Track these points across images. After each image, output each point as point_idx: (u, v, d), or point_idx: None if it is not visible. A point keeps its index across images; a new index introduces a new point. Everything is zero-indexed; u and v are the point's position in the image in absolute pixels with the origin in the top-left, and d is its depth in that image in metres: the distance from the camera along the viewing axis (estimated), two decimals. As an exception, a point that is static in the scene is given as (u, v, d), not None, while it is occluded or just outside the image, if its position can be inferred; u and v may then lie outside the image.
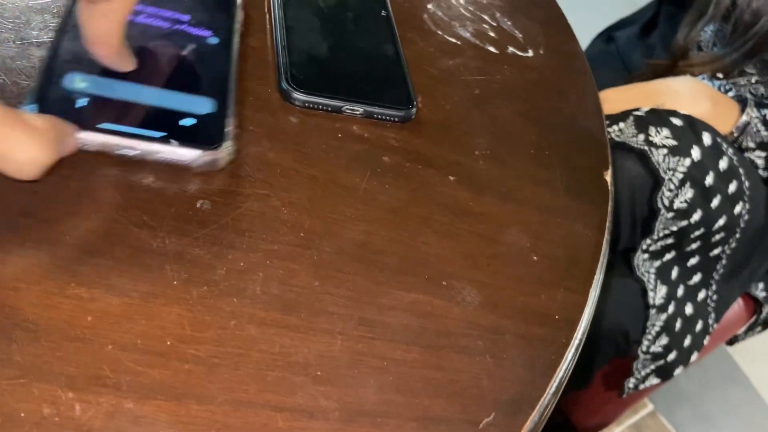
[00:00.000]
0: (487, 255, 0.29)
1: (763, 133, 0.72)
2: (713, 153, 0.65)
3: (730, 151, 0.68)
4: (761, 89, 0.78)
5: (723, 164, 0.66)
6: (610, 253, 0.65)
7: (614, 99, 0.74)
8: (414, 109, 0.33)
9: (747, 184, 0.68)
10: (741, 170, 0.68)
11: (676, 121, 0.65)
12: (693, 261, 0.69)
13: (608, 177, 0.37)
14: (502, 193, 0.32)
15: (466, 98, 0.37)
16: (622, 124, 0.65)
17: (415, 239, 0.28)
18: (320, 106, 0.31)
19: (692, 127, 0.65)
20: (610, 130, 0.65)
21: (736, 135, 0.73)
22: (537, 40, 0.44)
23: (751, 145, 0.73)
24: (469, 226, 0.29)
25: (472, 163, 0.33)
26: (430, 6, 0.42)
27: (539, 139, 0.37)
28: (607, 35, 0.94)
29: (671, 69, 0.79)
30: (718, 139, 0.67)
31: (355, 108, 0.31)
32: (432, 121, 0.34)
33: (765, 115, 0.73)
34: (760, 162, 0.74)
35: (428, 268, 0.27)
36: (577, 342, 0.29)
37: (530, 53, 0.44)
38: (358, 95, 0.31)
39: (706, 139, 0.65)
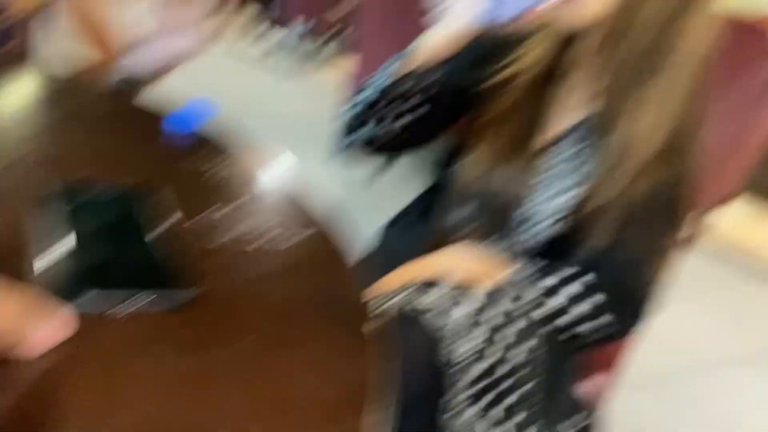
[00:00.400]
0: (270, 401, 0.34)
1: (531, 277, 0.83)
2: (484, 306, 0.74)
3: (503, 300, 0.78)
4: (521, 247, 0.91)
5: (496, 316, 0.75)
6: (419, 421, 0.71)
7: (398, 277, 0.84)
8: (196, 291, 0.38)
9: (524, 327, 0.78)
10: (515, 317, 0.77)
11: (444, 286, 0.74)
12: (494, 412, 0.76)
13: (368, 329, 0.43)
14: (287, 353, 0.37)
15: (241, 284, 0.43)
16: (396, 298, 0.73)
17: (207, 403, 0.32)
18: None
19: (461, 288, 0.75)
20: (389, 304, 0.73)
21: (509, 284, 0.82)
22: (292, 234, 0.53)
23: (524, 290, 0.82)
24: (260, 384, 0.34)
25: (241, 334, 0.38)
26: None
27: (301, 308, 0.44)
28: (393, 223, 1.08)
29: (446, 244, 0.91)
30: (490, 293, 0.77)
31: (140, 296, 0.35)
32: (216, 300, 0.40)
33: (528, 263, 0.84)
34: (535, 302, 0.83)
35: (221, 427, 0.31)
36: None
37: (285, 244, 0.51)
38: (140, 284, 0.35)
39: (476, 296, 0.75)
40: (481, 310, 0.72)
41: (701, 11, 0.81)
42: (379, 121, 0.94)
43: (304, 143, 3.57)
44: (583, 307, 0.84)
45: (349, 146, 0.98)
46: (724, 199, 3.70)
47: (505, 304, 0.75)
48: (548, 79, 0.91)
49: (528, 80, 0.91)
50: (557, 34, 0.87)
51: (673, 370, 2.25)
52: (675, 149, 0.87)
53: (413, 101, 0.91)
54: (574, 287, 0.84)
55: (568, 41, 0.89)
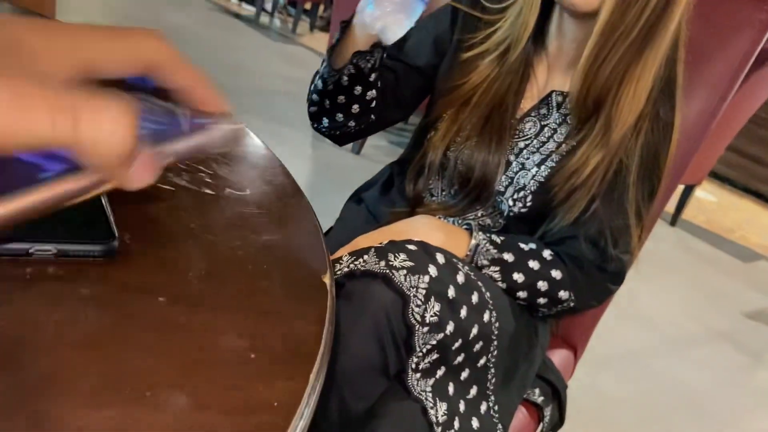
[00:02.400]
0: (199, 361, 0.31)
1: (492, 251, 0.84)
2: (449, 269, 0.74)
3: (466, 268, 0.77)
4: (488, 221, 0.93)
5: (460, 278, 0.75)
6: (386, 381, 0.71)
7: (364, 242, 0.85)
8: (115, 243, 0.35)
9: (488, 294, 0.76)
10: (479, 282, 0.75)
11: (412, 247, 0.72)
12: (464, 375, 0.76)
13: (326, 279, 0.41)
14: (217, 305, 0.35)
15: (181, 232, 0.40)
16: (365, 256, 0.73)
17: (116, 360, 0.29)
18: (3, 252, 0.31)
19: (426, 250, 0.74)
20: (356, 263, 0.72)
21: (471, 255, 0.84)
22: (254, 182, 0.49)
23: (485, 262, 0.84)
24: (180, 339, 0.32)
25: (186, 285, 0.36)
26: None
27: (257, 257, 0.41)
28: (357, 197, 1.08)
29: (411, 215, 0.93)
30: (453, 259, 0.76)
31: (46, 248, 0.32)
32: (141, 253, 0.37)
33: (490, 236, 0.85)
34: (496, 275, 0.85)
35: (129, 384, 0.29)
36: (300, 426, 0.32)
37: (248, 191, 0.48)
38: (48, 236, 0.32)
39: (440, 258, 0.74)
40: (439, 278, 0.71)
41: None
42: (331, 117, 0.92)
43: (284, 107, 3.56)
44: (540, 283, 0.85)
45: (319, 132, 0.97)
46: (702, 174, 3.73)
47: (462, 276, 0.74)
48: (523, 52, 0.89)
49: (502, 54, 0.90)
50: (536, 7, 0.85)
51: (640, 347, 2.28)
52: (654, 119, 0.87)
53: (357, 89, 0.88)
54: (533, 263, 0.85)
55: (544, 15, 0.88)
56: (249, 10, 6.13)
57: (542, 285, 0.85)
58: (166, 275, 0.35)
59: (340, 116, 0.91)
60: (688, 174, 3.34)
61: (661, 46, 0.82)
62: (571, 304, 0.88)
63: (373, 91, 0.89)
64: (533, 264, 0.85)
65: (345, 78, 0.86)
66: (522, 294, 0.86)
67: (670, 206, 3.67)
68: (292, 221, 0.48)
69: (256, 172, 0.52)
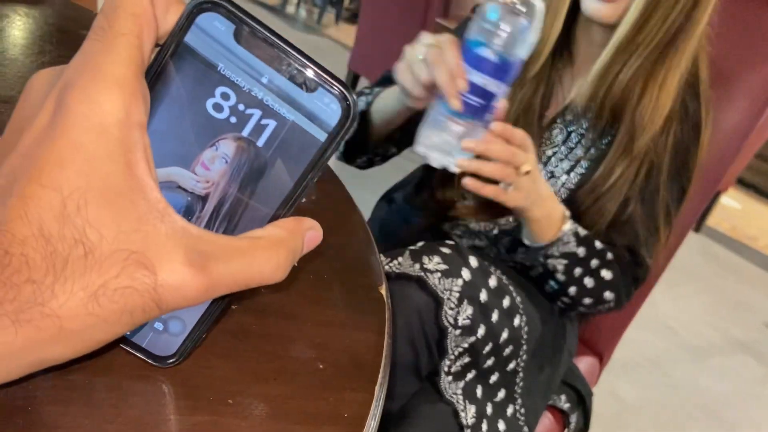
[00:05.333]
0: (273, 370, 0.33)
1: (572, 243, 0.82)
2: (481, 273, 0.74)
3: (498, 272, 0.78)
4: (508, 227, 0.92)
5: (492, 282, 0.75)
6: (419, 382, 0.72)
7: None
8: None
9: (518, 299, 0.76)
10: (511, 287, 0.75)
11: (446, 250, 0.72)
12: (494, 378, 0.76)
13: (383, 290, 0.42)
14: (285, 314, 0.36)
15: None
16: (400, 258, 0.74)
17: (201, 366, 0.31)
18: None
19: (459, 253, 0.74)
20: (390, 265, 0.73)
21: (552, 241, 0.81)
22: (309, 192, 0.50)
23: (556, 253, 0.82)
24: (255, 347, 0.33)
25: (254, 293, 0.37)
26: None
27: (317, 267, 0.42)
28: (388, 198, 1.08)
29: (441, 220, 0.95)
30: (486, 263, 0.77)
31: None
32: None
33: (576, 228, 0.83)
34: (560, 267, 0.83)
35: (212, 390, 0.30)
36: (368, 435, 0.33)
37: (303, 200, 0.48)
38: None
39: (473, 262, 0.75)
40: (472, 282, 0.72)
41: None
42: (368, 155, 0.96)
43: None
44: (588, 280, 0.85)
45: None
46: (729, 180, 3.69)
47: (494, 280, 0.75)
48: (547, 60, 0.89)
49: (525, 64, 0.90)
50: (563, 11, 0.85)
51: (659, 354, 2.27)
52: (682, 119, 0.87)
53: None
54: (595, 261, 0.84)
55: (569, 20, 0.87)
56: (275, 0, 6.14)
57: (589, 282, 0.85)
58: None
59: (361, 160, 0.96)
60: (714, 181, 3.30)
61: (686, 50, 0.81)
62: (611, 305, 0.88)
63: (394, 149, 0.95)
64: (594, 262, 0.84)
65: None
66: (572, 290, 0.85)
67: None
68: (346, 231, 0.49)
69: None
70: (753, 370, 2.41)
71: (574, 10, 0.86)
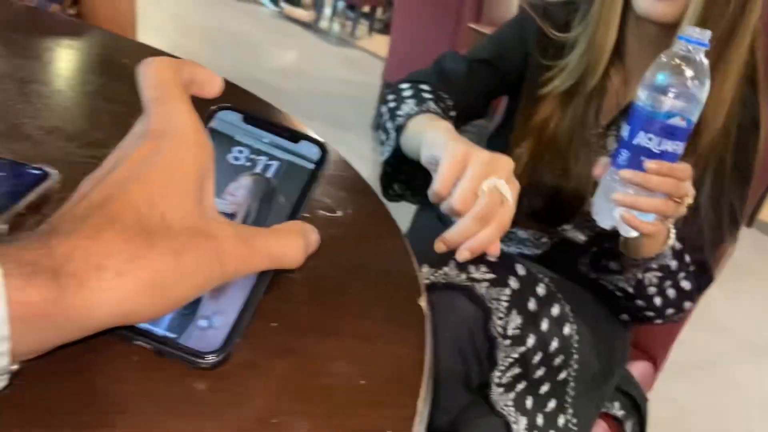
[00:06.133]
0: (315, 387, 0.33)
1: (668, 257, 0.80)
2: (529, 281, 0.73)
3: (546, 279, 0.75)
4: (579, 235, 0.91)
5: (541, 290, 0.73)
6: (469, 394, 0.70)
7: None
8: None
9: (568, 307, 0.73)
10: (560, 294, 0.73)
11: (492, 258, 0.70)
12: (544, 388, 0.75)
13: (422, 302, 0.41)
14: (324, 330, 0.36)
15: None
16: (445, 268, 0.72)
17: (241, 385, 0.31)
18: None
19: (506, 261, 0.73)
20: (436, 275, 0.72)
21: (653, 257, 0.79)
22: (343, 203, 0.50)
23: (654, 266, 0.81)
24: (296, 364, 0.33)
25: (293, 309, 0.37)
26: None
27: (355, 279, 0.42)
28: (429, 204, 1.01)
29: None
30: (533, 269, 0.74)
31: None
32: None
33: (674, 244, 0.79)
34: (654, 281, 0.82)
35: (256, 409, 0.30)
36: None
37: (339, 213, 0.49)
38: None
39: (520, 269, 0.73)
40: (520, 291, 0.70)
41: None
42: (404, 189, 0.90)
43: (345, 111, 3.60)
44: (670, 292, 0.84)
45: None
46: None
47: (543, 288, 0.74)
48: (610, 62, 0.86)
49: (578, 81, 0.88)
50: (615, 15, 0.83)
51: (716, 355, 2.19)
52: (741, 116, 0.85)
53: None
54: (682, 274, 0.83)
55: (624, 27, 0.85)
56: (309, 15, 6.23)
57: (672, 293, 0.84)
58: (274, 300, 0.37)
59: (393, 192, 0.90)
60: (766, 173, 3.19)
61: (743, 43, 0.79)
62: (685, 314, 0.88)
63: None
64: (681, 274, 0.83)
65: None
66: (658, 300, 0.84)
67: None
68: (383, 243, 0.49)
69: (343, 192, 0.54)
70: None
71: (624, 10, 0.84)
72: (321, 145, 0.38)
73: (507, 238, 0.96)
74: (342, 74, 4.46)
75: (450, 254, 0.76)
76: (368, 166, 2.92)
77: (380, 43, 5.65)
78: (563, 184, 0.88)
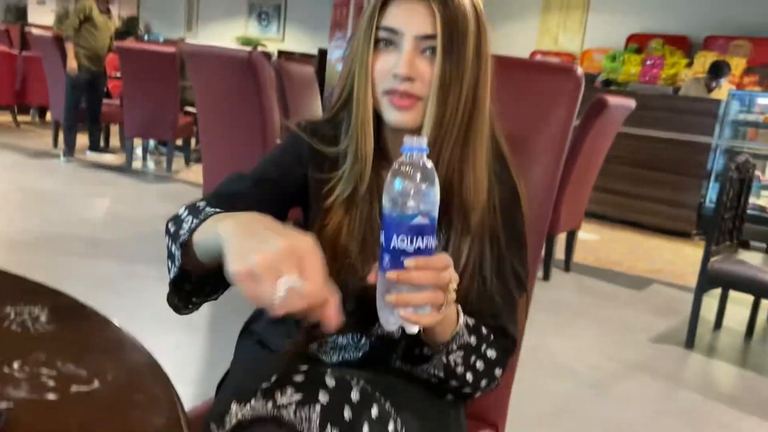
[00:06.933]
0: None
1: (465, 335, 0.85)
2: (341, 390, 0.75)
3: (361, 382, 0.78)
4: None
5: (355, 396, 0.75)
6: None
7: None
8: None
9: (388, 403, 0.78)
10: (377, 393, 0.77)
11: (298, 378, 0.74)
12: None
13: None
14: None
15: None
16: (252, 402, 0.73)
17: None
18: None
19: (314, 377, 0.75)
20: (243, 412, 0.72)
21: (447, 341, 0.84)
22: (103, 369, 0.48)
23: (454, 347, 0.85)
24: None
25: None
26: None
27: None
28: (248, 331, 1.07)
29: (308, 342, 0.94)
30: (346, 377, 0.77)
31: None
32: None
33: (466, 319, 0.86)
34: (459, 360, 0.86)
35: None
36: None
37: (96, 384, 0.46)
38: None
39: (329, 381, 0.75)
40: (331, 403, 0.71)
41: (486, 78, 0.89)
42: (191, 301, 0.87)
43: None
44: (479, 365, 0.87)
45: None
46: (578, 218, 3.99)
47: (357, 393, 0.75)
48: (372, 174, 0.92)
49: (354, 189, 0.93)
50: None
51: (567, 397, 2.33)
52: (500, 191, 0.94)
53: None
54: (485, 346, 0.87)
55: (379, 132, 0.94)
56: (118, 158, 6.08)
57: (480, 365, 0.87)
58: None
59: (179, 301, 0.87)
60: (566, 222, 3.57)
61: (483, 132, 0.90)
62: (499, 381, 0.91)
63: None
64: (483, 346, 0.87)
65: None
66: (469, 376, 0.87)
67: (560, 253, 3.89)
68: (147, 397, 0.47)
69: (108, 357, 0.51)
70: (652, 386, 2.53)
71: (379, 121, 0.91)
72: None
73: (329, 347, 0.97)
74: (164, 210, 4.35)
75: (257, 386, 0.76)
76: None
77: (199, 172, 5.64)
78: (367, 284, 0.92)
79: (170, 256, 0.83)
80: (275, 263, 0.59)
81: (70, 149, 5.61)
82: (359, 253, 0.93)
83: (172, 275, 0.82)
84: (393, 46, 0.86)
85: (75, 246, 3.34)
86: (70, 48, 5.42)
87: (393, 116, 0.87)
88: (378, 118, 0.91)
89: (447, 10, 0.83)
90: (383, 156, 0.96)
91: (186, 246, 0.78)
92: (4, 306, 0.55)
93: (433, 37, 0.84)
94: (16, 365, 0.45)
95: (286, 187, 0.97)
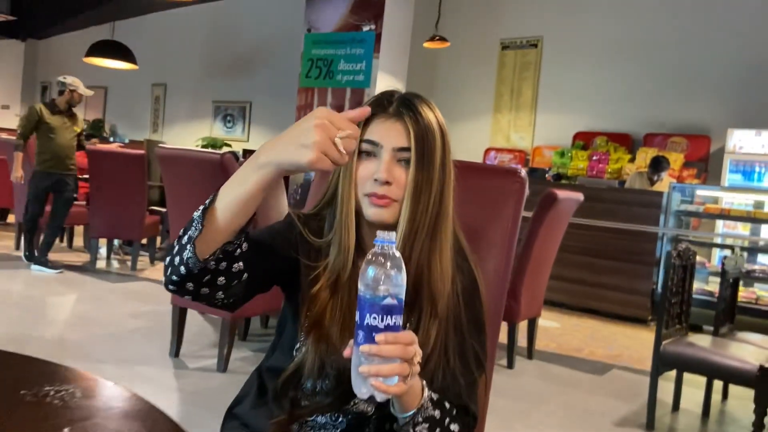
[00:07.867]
0: None
1: (429, 409, 0.96)
2: None
3: None
4: (366, 406, 1.04)
5: None
6: None
7: None
8: None
9: None
10: None
11: None
12: None
13: None
14: None
15: None
16: None
17: None
18: None
19: None
20: None
21: (414, 413, 0.94)
22: None
23: (420, 419, 0.95)
24: None
25: None
26: None
27: None
28: (231, 415, 1.16)
29: (291, 421, 1.03)
30: None
31: None
32: None
33: (431, 393, 0.97)
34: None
35: None
36: None
37: None
38: None
39: None
40: None
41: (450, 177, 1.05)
42: (196, 294, 0.95)
43: (138, 345, 3.46)
44: None
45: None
46: (538, 306, 4.12)
47: None
48: (360, 257, 1.04)
49: (338, 277, 1.04)
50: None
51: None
52: (462, 280, 1.07)
53: (222, 264, 0.92)
54: (448, 420, 0.97)
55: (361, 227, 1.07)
56: (80, 258, 6.05)
57: None
58: None
59: (205, 290, 0.94)
60: (526, 310, 3.71)
61: (448, 227, 1.05)
62: None
63: (240, 263, 0.95)
64: (447, 420, 0.96)
65: (212, 263, 0.91)
66: None
67: (522, 342, 3.99)
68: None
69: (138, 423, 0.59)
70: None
71: (359, 217, 1.04)
72: None
73: (309, 427, 1.05)
74: (129, 309, 4.33)
75: None
76: (173, 395, 2.82)
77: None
78: (346, 365, 1.02)
79: (181, 270, 0.92)
80: (324, 134, 0.82)
81: (30, 253, 5.47)
82: (339, 334, 1.03)
83: (183, 270, 0.91)
84: (373, 156, 1.02)
85: (41, 347, 3.31)
86: (17, 156, 5.20)
87: (372, 212, 1.02)
88: (357, 216, 1.05)
89: (419, 127, 1.01)
90: (359, 248, 1.09)
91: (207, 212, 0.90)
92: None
93: (407, 149, 1.00)
94: None
95: (280, 256, 1.06)
